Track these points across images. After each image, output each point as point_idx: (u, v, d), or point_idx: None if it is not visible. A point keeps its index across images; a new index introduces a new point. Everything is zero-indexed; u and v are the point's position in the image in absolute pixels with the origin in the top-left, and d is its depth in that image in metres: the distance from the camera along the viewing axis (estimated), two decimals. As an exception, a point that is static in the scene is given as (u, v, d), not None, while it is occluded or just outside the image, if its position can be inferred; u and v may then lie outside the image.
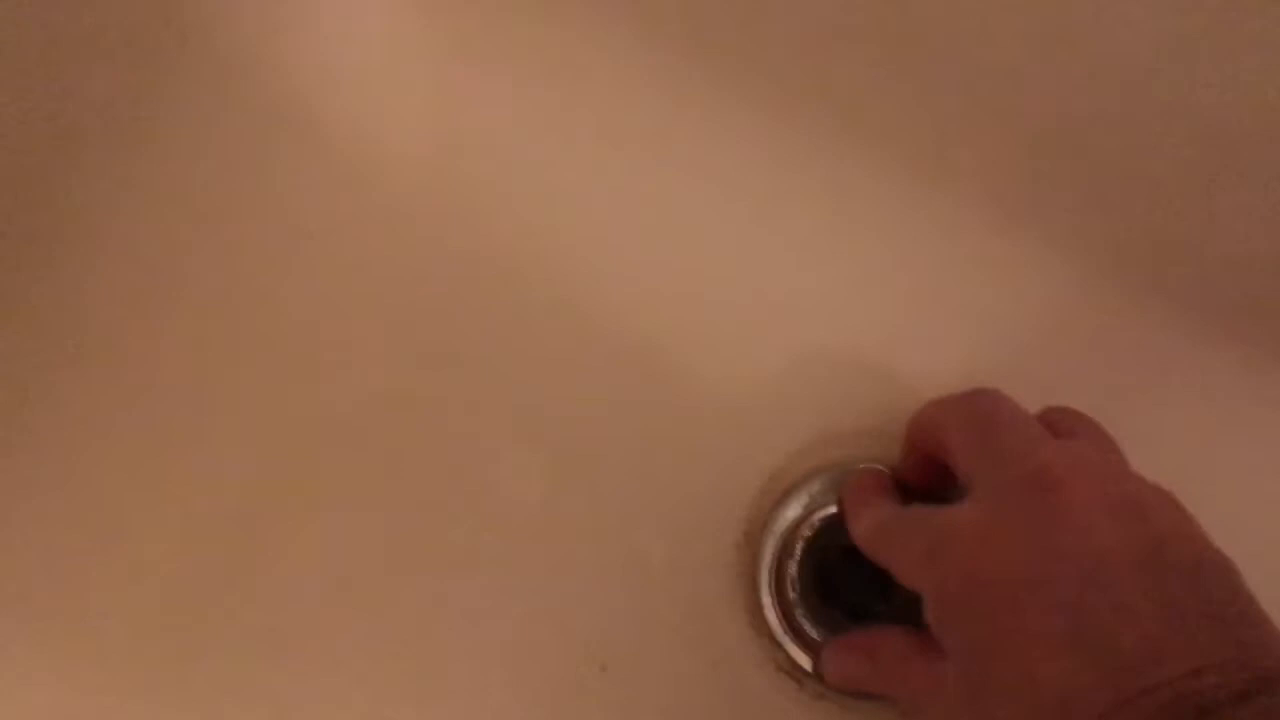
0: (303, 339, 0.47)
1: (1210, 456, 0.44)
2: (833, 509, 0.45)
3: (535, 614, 0.45)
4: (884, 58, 0.43)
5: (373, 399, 0.46)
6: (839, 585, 0.45)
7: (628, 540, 0.46)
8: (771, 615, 0.45)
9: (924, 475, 0.42)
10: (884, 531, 0.40)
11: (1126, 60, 0.40)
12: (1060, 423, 0.38)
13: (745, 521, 0.46)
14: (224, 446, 0.45)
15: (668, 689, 0.44)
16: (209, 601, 0.44)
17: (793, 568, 0.45)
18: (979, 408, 0.38)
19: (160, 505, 0.44)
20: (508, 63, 0.48)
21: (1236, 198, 0.43)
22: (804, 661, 0.44)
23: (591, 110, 0.48)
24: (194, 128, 0.46)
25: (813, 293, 0.47)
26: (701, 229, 0.48)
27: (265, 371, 0.46)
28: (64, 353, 0.44)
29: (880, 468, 0.45)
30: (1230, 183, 0.43)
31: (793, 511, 0.46)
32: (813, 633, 0.44)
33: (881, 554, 0.40)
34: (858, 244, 0.47)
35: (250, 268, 0.47)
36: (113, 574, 0.43)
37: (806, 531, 0.45)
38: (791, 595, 0.45)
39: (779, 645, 0.44)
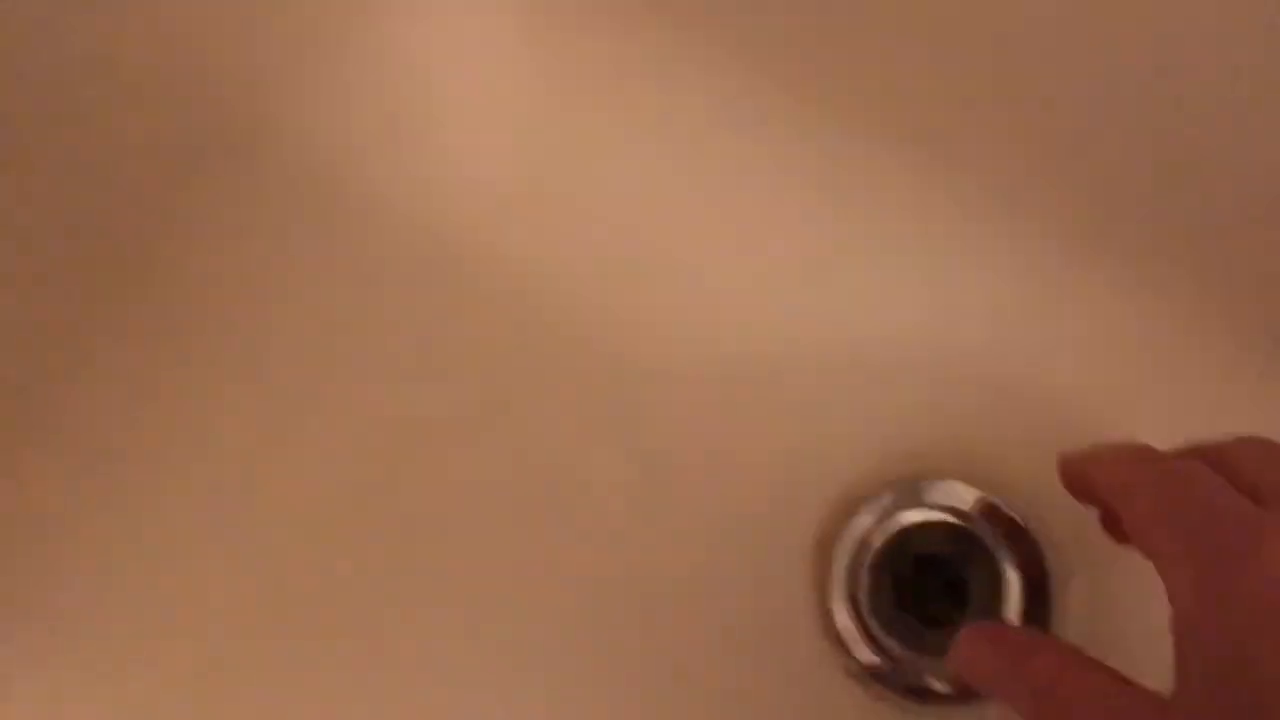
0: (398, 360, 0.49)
1: None
2: (905, 519, 0.47)
3: (616, 622, 0.47)
4: (980, 95, 0.45)
5: (466, 413, 0.48)
6: (913, 593, 0.46)
7: (703, 550, 0.47)
8: (842, 622, 0.46)
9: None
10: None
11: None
12: (1250, 468, 0.32)
13: (818, 531, 0.47)
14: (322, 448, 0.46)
15: (738, 695, 0.46)
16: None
17: (865, 576, 0.46)
18: (1179, 485, 0.30)
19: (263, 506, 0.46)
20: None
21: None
22: (871, 662, 0.46)
23: (684, 131, 0.49)
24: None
25: (894, 307, 0.49)
26: (784, 245, 0.49)
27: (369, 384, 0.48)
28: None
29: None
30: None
31: (865, 521, 0.47)
32: (885, 640, 0.46)
33: None
34: (941, 263, 0.48)
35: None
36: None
37: (879, 540, 0.47)
38: (863, 602, 0.46)
39: (848, 651, 0.46)
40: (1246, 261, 0.44)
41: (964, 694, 0.45)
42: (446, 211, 0.49)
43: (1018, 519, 0.46)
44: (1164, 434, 0.39)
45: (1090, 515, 0.46)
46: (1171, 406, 0.45)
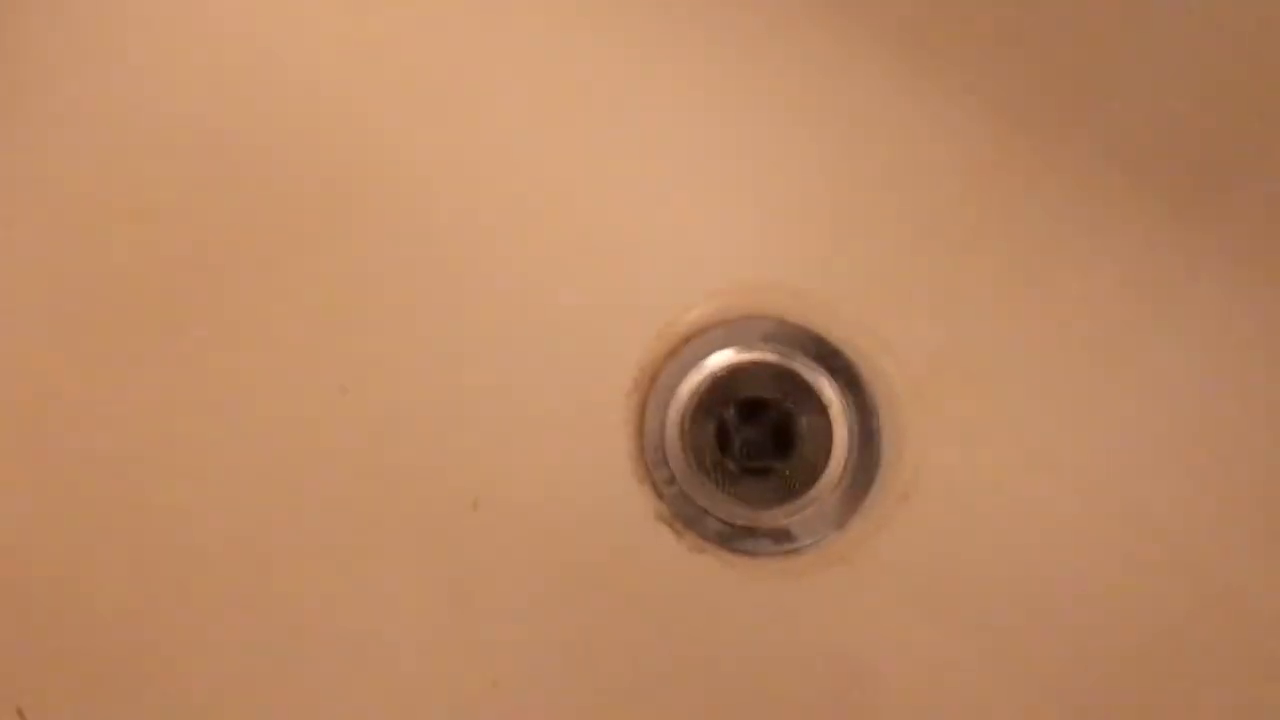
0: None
1: (1141, 313, 0.43)
2: (731, 358, 0.43)
3: (410, 450, 0.43)
4: None
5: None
6: (735, 438, 0.43)
7: (512, 380, 0.43)
8: (657, 467, 0.43)
9: None
10: None
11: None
12: None
13: (636, 368, 0.43)
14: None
15: (540, 532, 0.42)
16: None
17: (685, 420, 0.43)
18: None
19: None
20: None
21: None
22: (685, 513, 0.42)
23: None
24: None
25: (720, 147, 0.44)
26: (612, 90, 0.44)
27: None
28: None
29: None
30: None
31: (687, 360, 0.43)
32: (704, 487, 0.42)
33: None
34: (764, 103, 0.44)
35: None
36: None
37: (700, 382, 0.43)
38: (681, 447, 0.43)
39: (660, 495, 0.42)
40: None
41: (781, 542, 0.42)
42: None
43: (852, 363, 0.43)
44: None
45: (931, 358, 0.43)
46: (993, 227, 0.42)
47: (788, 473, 0.43)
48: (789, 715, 0.42)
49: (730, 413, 0.44)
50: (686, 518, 0.42)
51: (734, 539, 0.42)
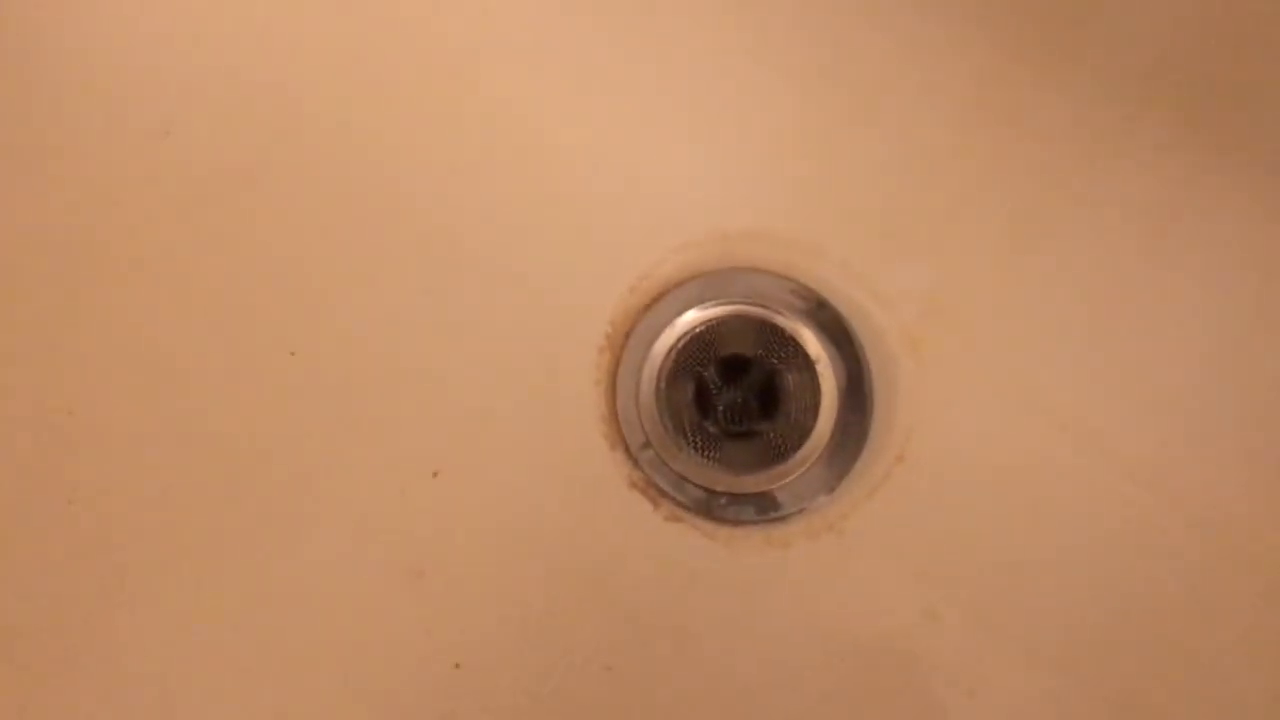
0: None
1: (1141, 253, 0.40)
2: (709, 313, 0.40)
3: (364, 416, 0.40)
4: None
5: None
6: (717, 399, 0.40)
7: (476, 339, 0.40)
8: (631, 430, 0.40)
9: None
10: None
11: None
12: None
13: (608, 325, 0.40)
14: None
15: (505, 502, 0.39)
16: None
17: (659, 376, 0.40)
18: None
19: None
20: None
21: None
22: (662, 480, 0.39)
23: None
24: None
25: (692, 94, 0.41)
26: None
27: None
28: None
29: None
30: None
31: (664, 315, 0.40)
32: (682, 452, 0.39)
33: None
34: (736, 47, 0.40)
35: None
36: None
37: (678, 337, 0.40)
38: (657, 408, 0.40)
39: (634, 461, 0.39)
40: None
41: (765, 510, 0.39)
42: None
43: (840, 314, 0.40)
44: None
45: (923, 306, 0.40)
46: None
47: (772, 434, 0.40)
48: (771, 694, 0.39)
49: (710, 371, 0.41)
50: (663, 484, 0.39)
51: (714, 507, 0.39)
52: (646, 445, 0.39)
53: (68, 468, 0.40)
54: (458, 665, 0.39)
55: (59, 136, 0.41)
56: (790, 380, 0.40)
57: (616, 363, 0.40)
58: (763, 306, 0.40)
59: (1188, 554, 0.39)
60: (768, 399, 0.41)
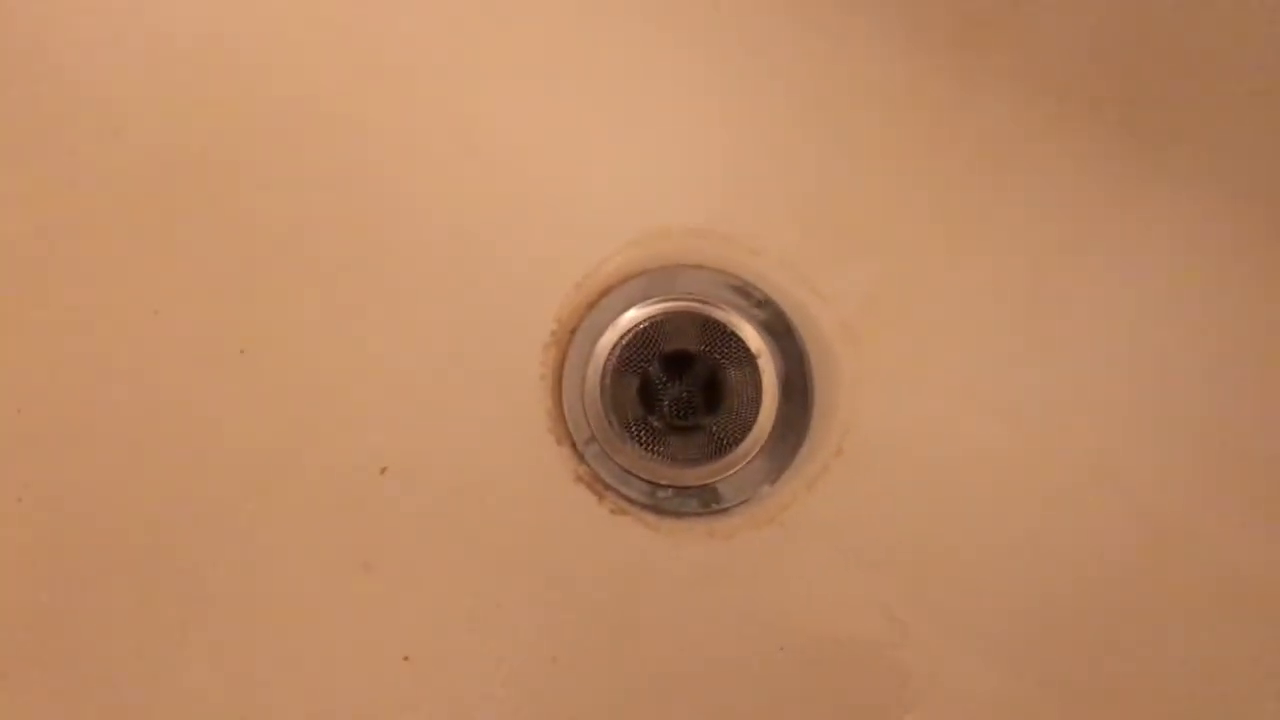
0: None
1: (1083, 243, 0.40)
2: (653, 309, 0.40)
3: (311, 412, 0.40)
4: None
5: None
6: (661, 394, 0.40)
7: (421, 335, 0.41)
8: (576, 424, 0.40)
9: None
10: None
11: None
12: None
13: (553, 321, 0.41)
14: None
15: (452, 497, 0.40)
16: None
17: (604, 372, 0.40)
18: None
19: None
20: None
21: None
22: (607, 474, 0.40)
23: None
24: None
25: (632, 93, 0.41)
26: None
27: None
28: None
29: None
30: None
31: (608, 312, 0.41)
32: (625, 446, 0.40)
33: None
34: (675, 44, 0.41)
35: None
36: None
37: (623, 333, 0.40)
38: (601, 403, 0.40)
39: (579, 456, 0.40)
40: None
41: (708, 503, 0.40)
42: None
43: (780, 309, 0.40)
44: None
45: (863, 300, 0.40)
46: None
47: (715, 428, 0.41)
48: (716, 685, 0.39)
49: (654, 367, 0.41)
50: (608, 478, 0.40)
51: (658, 500, 0.40)
52: (591, 440, 0.40)
53: (19, 466, 0.40)
54: (406, 657, 0.39)
55: (8, 135, 0.41)
56: (732, 375, 0.41)
57: (562, 359, 0.41)
58: (705, 303, 0.40)
59: (1130, 543, 0.39)
60: (710, 394, 0.42)
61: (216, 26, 0.42)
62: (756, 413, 0.40)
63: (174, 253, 0.41)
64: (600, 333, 0.41)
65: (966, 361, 0.40)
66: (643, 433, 0.41)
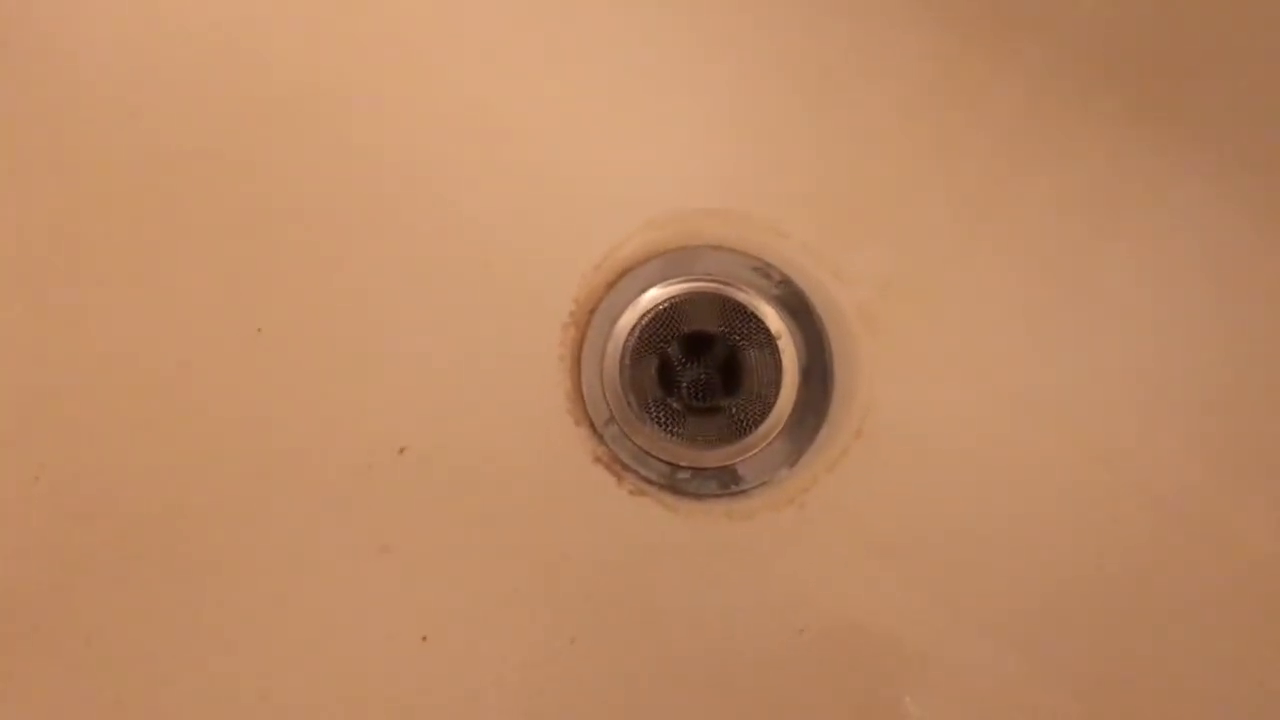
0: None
1: (1103, 229, 0.40)
2: (673, 290, 0.40)
3: (330, 393, 0.40)
4: None
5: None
6: (680, 375, 0.40)
7: (441, 316, 0.40)
8: (595, 405, 0.40)
9: None
10: None
11: None
12: None
13: (572, 302, 0.41)
14: None
15: (471, 478, 0.40)
16: None
17: (623, 353, 0.40)
18: None
19: None
20: None
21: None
22: (625, 455, 0.40)
23: None
24: None
25: (654, 74, 0.41)
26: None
27: None
28: None
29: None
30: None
31: (627, 293, 0.41)
32: (645, 427, 0.40)
33: None
34: (706, 34, 0.41)
35: None
36: None
37: (642, 314, 0.40)
38: (621, 384, 0.40)
39: (599, 436, 0.40)
40: None
41: (728, 484, 0.40)
42: None
43: (800, 291, 0.40)
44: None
45: (884, 282, 0.40)
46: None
47: (734, 410, 0.41)
48: (734, 667, 0.39)
49: (673, 348, 0.41)
50: (626, 459, 0.40)
51: (677, 481, 0.40)
52: (611, 421, 0.40)
53: (36, 446, 0.40)
54: (425, 638, 0.39)
55: (26, 119, 0.41)
56: (752, 356, 0.41)
57: (581, 340, 0.40)
58: (725, 284, 0.40)
59: (1146, 532, 0.39)
60: (730, 375, 0.41)
61: (232, 12, 0.41)
62: (776, 394, 0.40)
63: (193, 236, 0.41)
64: (619, 313, 0.40)
65: (988, 346, 0.39)
66: (662, 414, 0.41)
